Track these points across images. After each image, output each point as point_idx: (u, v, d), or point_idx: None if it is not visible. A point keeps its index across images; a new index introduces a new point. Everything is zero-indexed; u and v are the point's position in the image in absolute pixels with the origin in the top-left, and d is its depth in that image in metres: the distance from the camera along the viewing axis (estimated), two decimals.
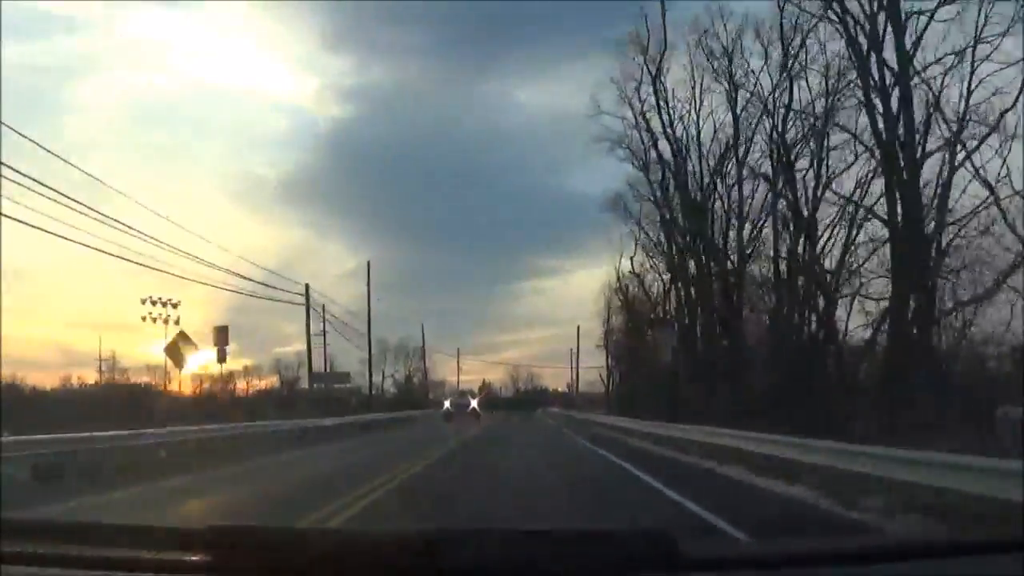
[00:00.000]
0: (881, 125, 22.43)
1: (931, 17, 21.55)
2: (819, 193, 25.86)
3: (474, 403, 53.46)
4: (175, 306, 40.33)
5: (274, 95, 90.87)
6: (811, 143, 26.13)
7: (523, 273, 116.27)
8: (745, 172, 30.06)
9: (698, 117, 32.07)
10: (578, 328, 66.13)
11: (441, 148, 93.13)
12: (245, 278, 28.60)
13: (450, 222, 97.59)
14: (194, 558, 1.87)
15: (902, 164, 21.68)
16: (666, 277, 38.59)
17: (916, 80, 21.90)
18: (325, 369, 50.15)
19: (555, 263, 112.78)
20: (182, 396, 40.25)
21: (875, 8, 22.57)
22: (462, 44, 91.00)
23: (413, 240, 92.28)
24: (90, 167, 59.23)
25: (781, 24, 26.36)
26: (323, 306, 43.02)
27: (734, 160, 30.58)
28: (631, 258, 40.48)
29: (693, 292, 34.72)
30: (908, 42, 21.85)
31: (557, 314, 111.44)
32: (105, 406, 32.24)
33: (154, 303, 39.83)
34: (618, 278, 45.26)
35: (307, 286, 36.38)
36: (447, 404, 52.10)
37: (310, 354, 40.44)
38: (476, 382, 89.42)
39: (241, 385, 58.21)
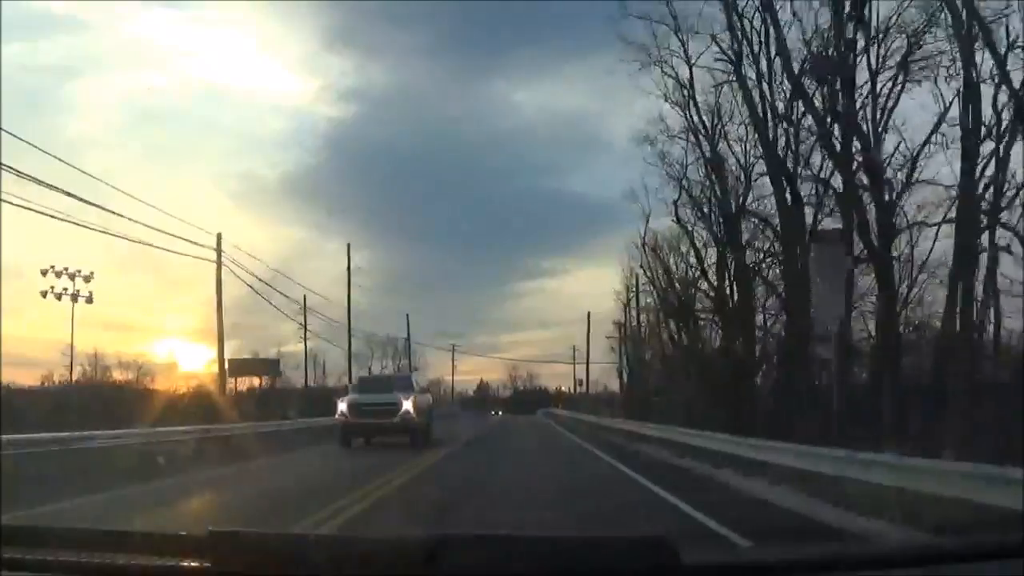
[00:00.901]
0: None
1: None
2: None
3: (407, 404, 21.57)
4: (87, 279, 34.62)
5: (274, 95, 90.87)
6: None
7: (523, 274, 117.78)
8: None
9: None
10: (588, 315, 60.19)
11: (441, 148, 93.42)
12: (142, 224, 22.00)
13: (450, 222, 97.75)
14: (194, 564, 1.86)
15: None
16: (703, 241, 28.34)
17: None
18: (305, 367, 46.93)
19: (555, 264, 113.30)
20: (145, 395, 35.33)
21: None
22: (462, 44, 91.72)
23: (412, 240, 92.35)
24: (90, 166, 60.08)
25: None
26: (304, 296, 41.23)
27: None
28: (675, 203, 28.22)
29: (770, 239, 24.60)
30: None
31: (557, 315, 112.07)
32: (59, 406, 28.20)
33: (58, 274, 34.04)
34: (642, 242, 34.06)
35: (219, 236, 28.11)
36: (342, 407, 21.87)
37: (221, 326, 29.31)
38: (474, 382, 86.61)
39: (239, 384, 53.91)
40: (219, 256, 28.06)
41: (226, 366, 32.43)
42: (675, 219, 28.95)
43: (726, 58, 22.76)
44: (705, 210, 27.34)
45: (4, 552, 1.89)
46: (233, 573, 1.80)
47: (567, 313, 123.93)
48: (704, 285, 29.91)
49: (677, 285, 32.04)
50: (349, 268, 43.41)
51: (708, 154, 25.44)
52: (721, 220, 26.01)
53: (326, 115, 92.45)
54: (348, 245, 44.75)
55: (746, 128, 24.29)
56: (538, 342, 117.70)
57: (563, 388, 79.30)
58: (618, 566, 1.73)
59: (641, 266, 36.58)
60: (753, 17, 21.94)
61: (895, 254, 20.25)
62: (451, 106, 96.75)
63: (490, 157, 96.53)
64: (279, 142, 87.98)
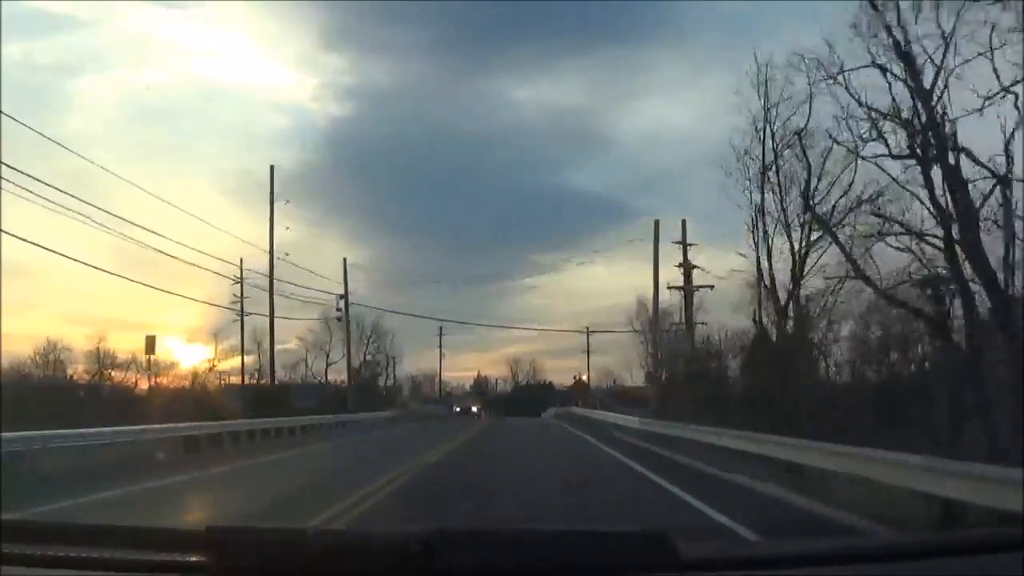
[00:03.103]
0: None
1: None
2: None
3: None
4: None
5: (273, 93, 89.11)
6: None
7: (524, 270, 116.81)
8: None
9: None
10: (656, 223, 35.25)
11: (440, 145, 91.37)
12: None
13: (449, 219, 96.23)
14: (192, 559, 1.86)
15: None
16: None
17: None
18: (243, 350, 39.82)
19: (557, 260, 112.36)
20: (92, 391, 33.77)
21: None
22: (460, 42, 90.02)
23: (411, 237, 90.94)
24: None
25: None
26: (240, 261, 37.03)
27: None
28: None
29: None
30: None
31: (559, 312, 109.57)
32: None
33: None
34: None
35: None
36: None
37: None
38: (471, 377, 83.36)
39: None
40: None
41: None
42: None
43: None
44: None
45: (3, 547, 1.88)
46: (231, 568, 1.81)
47: (568, 308, 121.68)
48: None
49: None
50: (272, 196, 36.73)
51: None
52: None
53: (324, 113, 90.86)
54: (271, 167, 38.04)
55: None
56: (542, 337, 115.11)
57: (569, 384, 70.29)
58: (617, 561, 1.72)
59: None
60: None
61: None
62: (450, 103, 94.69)
63: (490, 154, 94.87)
64: (278, 140, 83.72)
